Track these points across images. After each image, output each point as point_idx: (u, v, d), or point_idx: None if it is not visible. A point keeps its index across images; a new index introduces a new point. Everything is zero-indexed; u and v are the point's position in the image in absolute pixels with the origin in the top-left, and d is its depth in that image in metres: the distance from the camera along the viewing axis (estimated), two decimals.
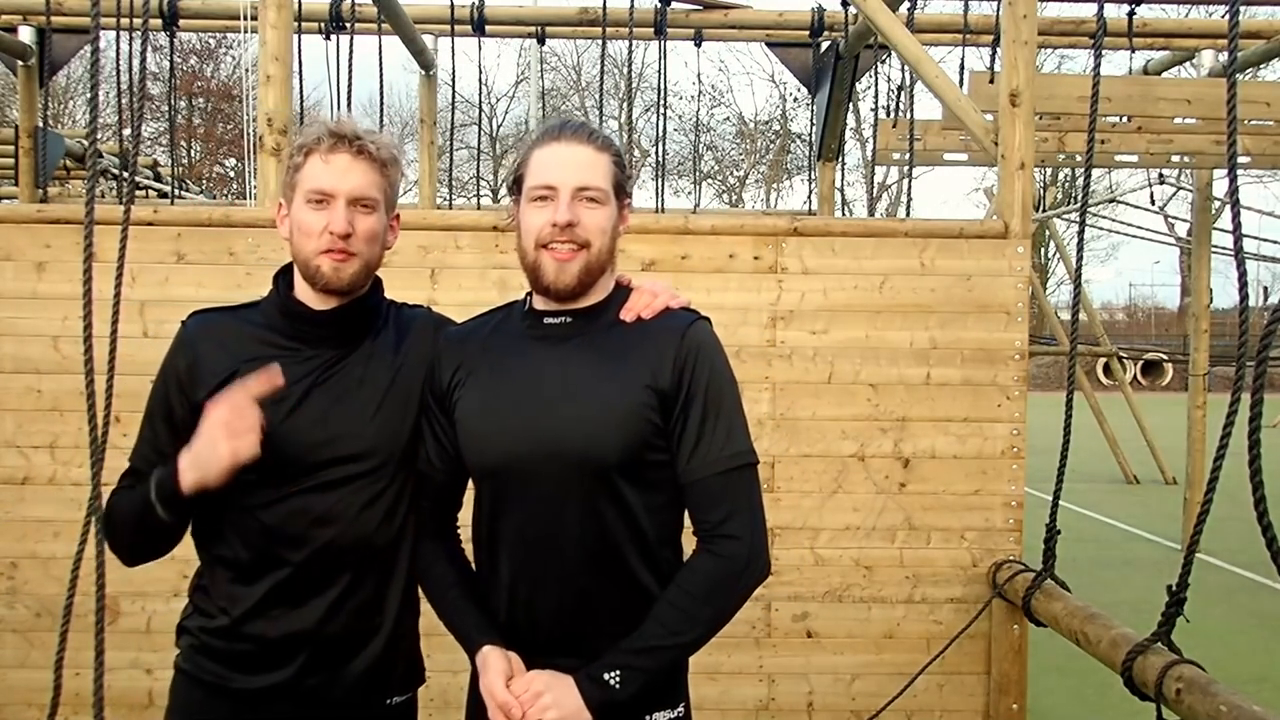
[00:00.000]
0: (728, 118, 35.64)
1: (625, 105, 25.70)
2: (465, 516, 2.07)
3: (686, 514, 1.96)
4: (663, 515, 1.92)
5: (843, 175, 7.95)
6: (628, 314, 1.95)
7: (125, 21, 6.09)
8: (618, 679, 1.79)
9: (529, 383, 1.90)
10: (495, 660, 1.83)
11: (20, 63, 7.63)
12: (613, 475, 1.85)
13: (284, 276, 2.06)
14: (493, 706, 1.81)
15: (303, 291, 2.02)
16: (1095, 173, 5.64)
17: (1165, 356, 28.84)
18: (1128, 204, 17.51)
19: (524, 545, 1.88)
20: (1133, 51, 7.67)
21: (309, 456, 1.95)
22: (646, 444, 1.87)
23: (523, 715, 1.77)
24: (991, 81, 6.34)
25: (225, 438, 1.83)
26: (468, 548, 2.05)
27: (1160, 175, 13.53)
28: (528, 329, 1.97)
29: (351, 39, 6.24)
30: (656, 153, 7.75)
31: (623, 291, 2.00)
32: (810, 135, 8.41)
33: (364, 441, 1.98)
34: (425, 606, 2.09)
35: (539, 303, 1.97)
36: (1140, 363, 30.44)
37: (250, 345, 2.00)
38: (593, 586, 1.86)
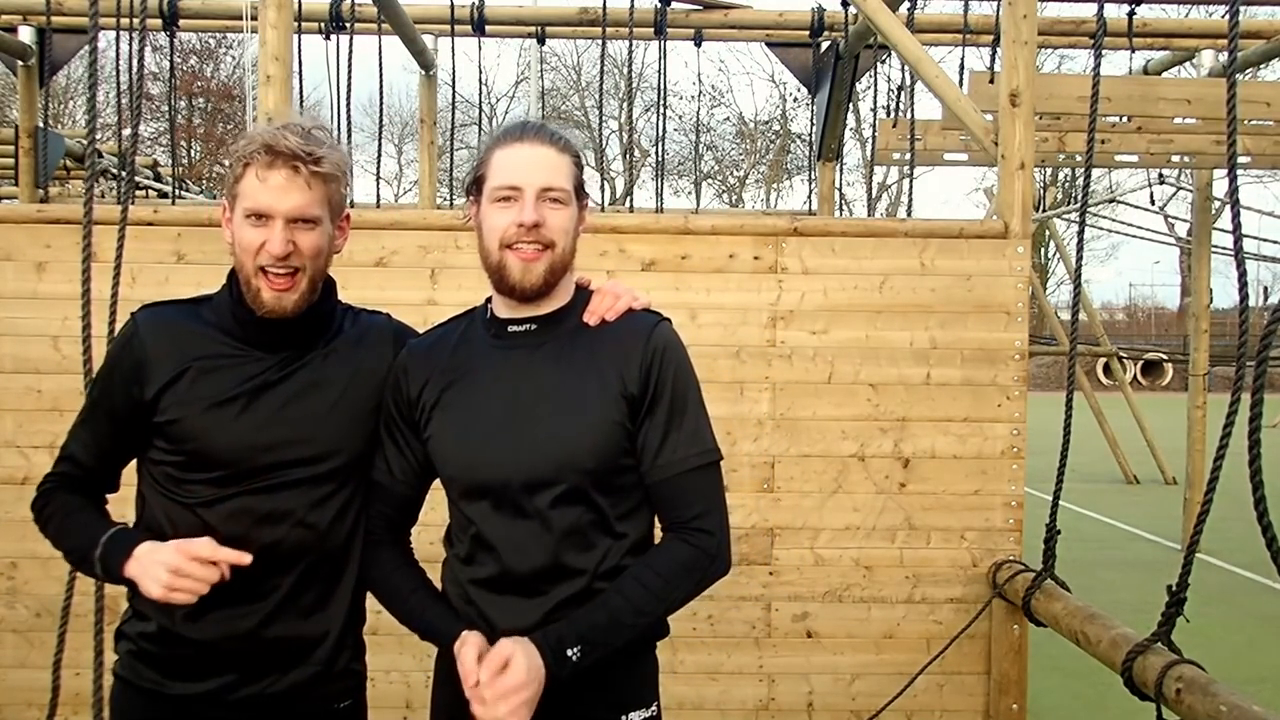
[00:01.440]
0: (728, 118, 35.66)
1: (625, 105, 25.68)
2: (436, 517, 2.06)
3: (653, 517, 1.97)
4: (633, 520, 1.92)
5: (842, 175, 7.94)
6: (591, 317, 1.95)
7: (125, 21, 6.09)
8: (578, 654, 1.78)
9: (502, 396, 1.90)
10: (474, 640, 1.80)
11: (20, 63, 7.63)
12: (588, 485, 1.86)
13: (237, 277, 1.98)
14: (464, 676, 1.77)
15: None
16: (1095, 173, 5.64)
17: (1165, 356, 28.83)
18: (1128, 204, 17.49)
19: (505, 555, 1.87)
20: (1133, 51, 7.67)
21: (258, 459, 1.90)
22: (621, 451, 1.89)
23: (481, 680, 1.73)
24: (991, 81, 6.34)
25: (165, 583, 1.79)
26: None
27: (1160, 175, 13.52)
28: (493, 338, 1.96)
29: (351, 39, 6.24)
30: (656, 153, 7.75)
31: (583, 294, 2.00)
32: (810, 135, 8.41)
33: (317, 445, 1.94)
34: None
35: (501, 309, 1.96)
36: (1140, 363, 30.45)
37: (201, 344, 1.95)
38: (570, 595, 1.86)
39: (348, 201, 2.03)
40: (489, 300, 2.01)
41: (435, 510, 2.05)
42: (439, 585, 2.00)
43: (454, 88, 9.50)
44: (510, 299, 1.92)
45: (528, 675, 1.70)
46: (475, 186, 1.94)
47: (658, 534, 1.97)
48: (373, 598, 2.07)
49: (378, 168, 8.07)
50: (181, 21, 7.43)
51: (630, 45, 7.37)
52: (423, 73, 8.07)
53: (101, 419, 2.00)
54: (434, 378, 1.95)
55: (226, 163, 2.07)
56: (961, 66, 6.91)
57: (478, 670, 1.73)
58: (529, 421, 1.87)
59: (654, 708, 1.95)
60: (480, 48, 7.52)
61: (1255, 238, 16.20)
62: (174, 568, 1.79)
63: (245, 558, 1.83)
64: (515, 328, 1.94)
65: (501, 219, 1.87)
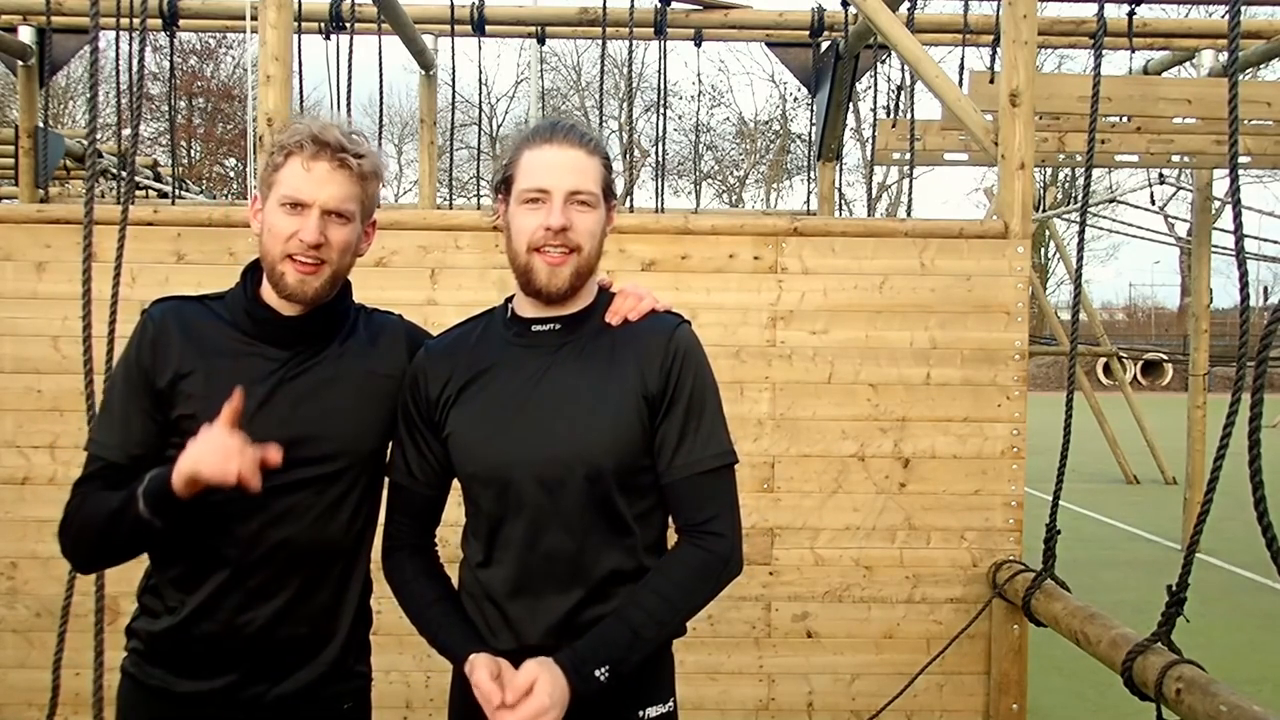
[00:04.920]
0: (728, 118, 35.68)
1: (625, 105, 25.69)
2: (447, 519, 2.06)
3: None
4: (649, 521, 1.93)
5: (842, 175, 7.94)
6: (613, 317, 1.96)
7: (125, 21, 6.09)
8: (606, 674, 1.79)
9: (524, 394, 1.90)
10: (483, 661, 1.82)
11: (20, 63, 7.63)
12: (608, 483, 1.86)
13: (253, 273, 2.00)
14: (483, 698, 1.79)
15: (269, 292, 1.97)
16: (1095, 173, 5.63)
17: (1165, 356, 28.85)
18: (1128, 204, 17.49)
19: (523, 554, 1.87)
20: (1133, 51, 7.67)
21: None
22: (640, 450, 1.89)
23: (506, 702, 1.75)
24: (991, 81, 6.34)
25: (222, 459, 1.75)
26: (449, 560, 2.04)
27: (1160, 175, 13.52)
28: (515, 337, 1.96)
29: (351, 39, 6.24)
30: (656, 153, 7.74)
31: (605, 295, 2.00)
32: (810, 135, 8.41)
33: (329, 443, 1.94)
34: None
35: (525, 308, 1.96)
36: (1140, 363, 30.44)
37: (215, 340, 1.95)
38: (588, 594, 1.87)
39: (377, 206, 2.05)
40: (509, 300, 2.01)
41: (448, 509, 2.06)
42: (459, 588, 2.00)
43: (454, 88, 9.50)
44: (537, 300, 1.92)
45: (551, 699, 1.71)
46: (504, 186, 1.94)
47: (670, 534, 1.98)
48: (374, 598, 2.07)
49: None
50: (181, 21, 7.43)
51: (630, 45, 7.37)
52: (423, 73, 8.06)
53: (130, 414, 1.94)
54: (454, 376, 1.95)
55: (270, 153, 2.07)
56: (961, 66, 6.91)
57: (498, 690, 1.74)
58: (549, 419, 1.87)
59: (670, 703, 1.95)
60: (480, 48, 7.52)
61: (1255, 238, 16.22)
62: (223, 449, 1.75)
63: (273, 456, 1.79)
64: (539, 327, 1.94)
65: (529, 221, 1.87)
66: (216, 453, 1.75)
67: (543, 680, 1.73)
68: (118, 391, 1.99)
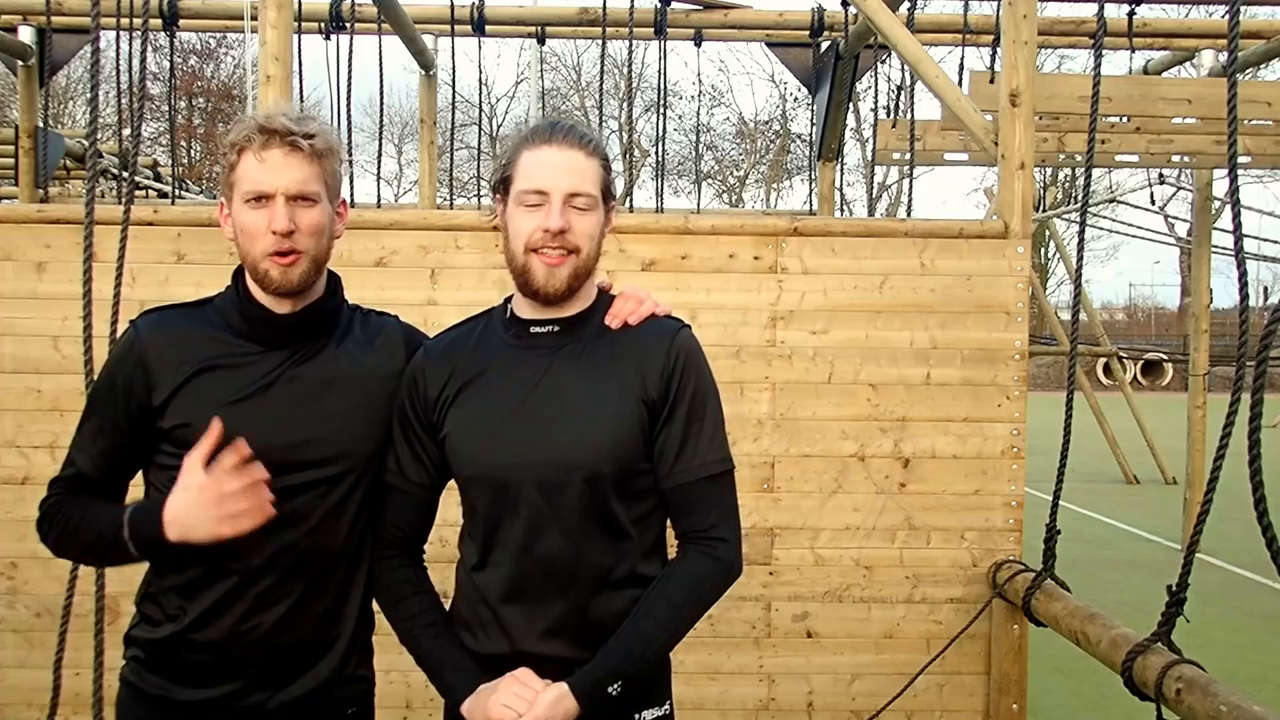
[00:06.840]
0: (728, 118, 35.69)
1: (625, 105, 25.67)
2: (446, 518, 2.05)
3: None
4: (647, 524, 1.93)
5: (842, 175, 7.93)
6: (613, 320, 1.95)
7: (125, 21, 6.09)
8: (618, 688, 1.80)
9: (522, 396, 1.90)
10: (484, 688, 1.84)
11: (20, 63, 7.63)
12: (606, 487, 1.86)
13: (243, 275, 1.99)
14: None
15: (260, 292, 1.96)
16: (1095, 173, 5.63)
17: (1165, 356, 28.84)
18: (1128, 204, 17.50)
19: (519, 557, 1.87)
20: (1133, 51, 7.67)
21: (271, 460, 1.87)
22: (639, 454, 1.89)
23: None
24: (991, 81, 6.34)
25: (219, 520, 1.81)
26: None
27: (1160, 175, 13.53)
28: (514, 339, 1.95)
29: (351, 39, 6.23)
30: (656, 153, 7.74)
31: (605, 297, 2.00)
32: (810, 135, 8.41)
33: (329, 446, 1.93)
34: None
35: (523, 310, 1.96)
36: (1140, 363, 30.44)
37: (207, 346, 1.93)
38: (585, 598, 1.86)
39: (342, 183, 2.03)
40: (508, 300, 2.00)
41: (442, 509, 2.05)
42: (445, 590, 2.00)
43: (454, 88, 9.50)
44: (535, 301, 1.92)
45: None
46: (502, 186, 1.93)
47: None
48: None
49: (378, 168, 8.10)
50: (181, 21, 7.43)
51: (630, 45, 7.36)
52: (423, 73, 8.06)
53: (105, 429, 1.95)
54: (452, 377, 1.95)
55: (224, 154, 2.08)
56: (961, 66, 6.91)
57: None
58: (547, 421, 1.87)
59: (666, 706, 1.96)
60: (480, 48, 7.51)
61: (1255, 238, 16.22)
62: (216, 496, 1.81)
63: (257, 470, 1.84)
64: (538, 328, 1.94)
65: (527, 223, 1.86)
66: (207, 511, 1.80)
67: (541, 697, 1.78)
68: (94, 403, 1.99)
